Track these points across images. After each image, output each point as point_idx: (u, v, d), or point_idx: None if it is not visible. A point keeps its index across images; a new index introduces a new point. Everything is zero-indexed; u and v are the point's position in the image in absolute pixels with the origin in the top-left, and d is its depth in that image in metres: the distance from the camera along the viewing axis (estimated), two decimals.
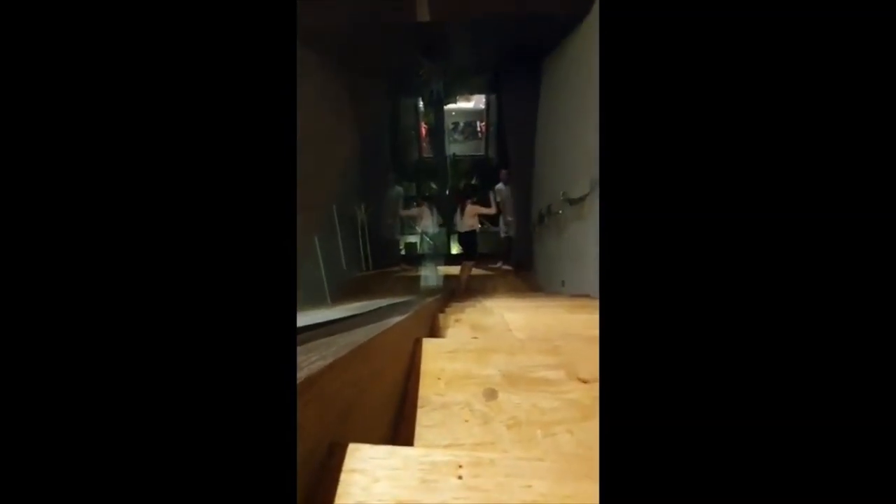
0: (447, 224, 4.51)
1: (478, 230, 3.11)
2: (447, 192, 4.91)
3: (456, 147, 6.07)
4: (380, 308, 0.83)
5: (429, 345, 0.70)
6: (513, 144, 3.58)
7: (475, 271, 3.50)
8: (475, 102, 6.45)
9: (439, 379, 0.61)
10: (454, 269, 3.90)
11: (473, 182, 5.37)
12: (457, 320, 1.24)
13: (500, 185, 3.74)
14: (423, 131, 5.50)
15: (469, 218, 3.03)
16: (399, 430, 0.49)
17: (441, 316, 1.29)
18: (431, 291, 2.34)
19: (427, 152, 5.64)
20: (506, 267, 3.66)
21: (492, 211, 3.33)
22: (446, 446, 0.47)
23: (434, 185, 5.29)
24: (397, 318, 0.64)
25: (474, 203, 3.11)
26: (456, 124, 6.85)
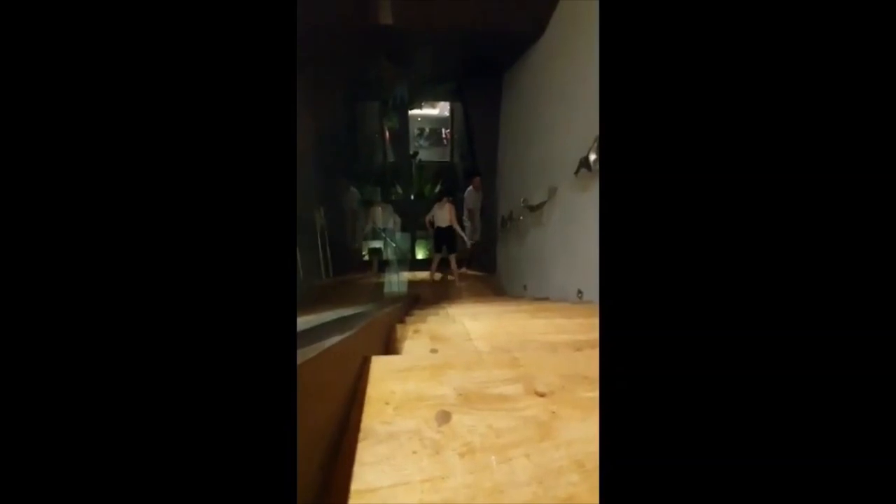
0: (409, 227, 4.43)
1: (454, 227, 3.35)
2: (412, 197, 4.84)
3: (421, 153, 6.04)
4: (325, 323, 0.74)
5: (378, 364, 0.63)
6: (478, 152, 3.63)
7: (435, 275, 3.63)
8: (440, 110, 6.48)
9: (387, 404, 0.54)
10: (421, 274, 3.84)
11: (439, 188, 5.36)
12: (416, 331, 1.18)
13: (470, 190, 3.76)
14: (387, 136, 5.39)
15: (448, 213, 3.29)
16: (333, 473, 0.41)
17: (399, 327, 1.22)
18: (395, 299, 2.26)
19: (391, 157, 5.54)
20: (470, 272, 3.68)
21: (465, 222, 3.57)
22: (390, 487, 0.41)
23: (399, 189, 5.19)
24: (339, 336, 0.57)
25: (451, 201, 3.38)
26: (421, 130, 6.82)
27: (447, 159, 6.07)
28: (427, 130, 6.75)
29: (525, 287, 2.78)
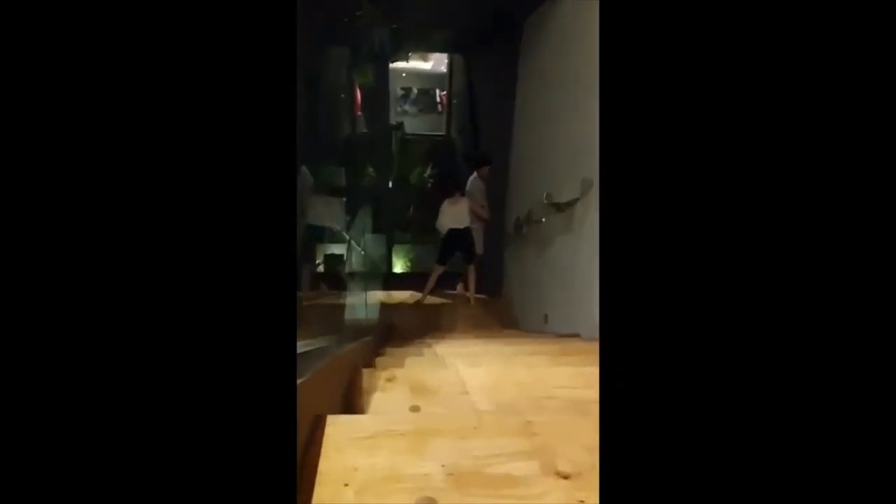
0: (385, 227, 4.41)
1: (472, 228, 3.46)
2: (390, 184, 4.84)
3: (406, 122, 6.08)
4: None
5: (336, 427, 0.63)
6: (484, 128, 3.66)
7: (427, 298, 3.63)
8: (434, 64, 6.57)
9: (347, 486, 0.54)
10: (399, 295, 3.83)
11: (428, 173, 5.41)
12: (390, 379, 1.18)
13: (475, 181, 3.72)
14: (359, 96, 5.42)
15: (467, 210, 3.39)
16: None
17: (367, 373, 1.22)
18: (360, 330, 2.25)
19: (363, 126, 5.56)
20: (468, 294, 3.70)
21: (484, 215, 3.56)
22: None
23: (372, 172, 5.19)
24: None
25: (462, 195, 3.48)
26: (407, 91, 6.88)
27: (441, 132, 6.13)
28: (415, 92, 6.80)
29: (546, 318, 2.80)
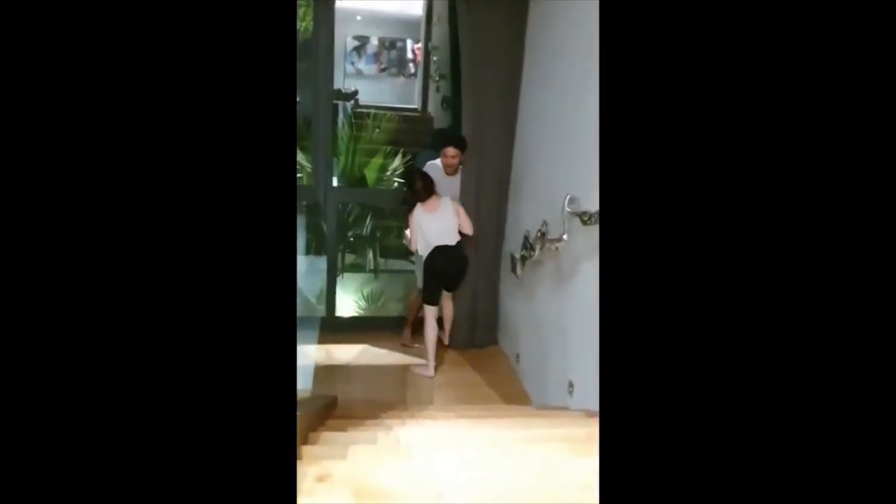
0: (327, 248, 4.35)
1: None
2: (334, 183, 4.81)
3: (362, 89, 6.08)
4: None
5: None
6: (471, 97, 3.68)
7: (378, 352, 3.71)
8: (402, 5, 6.68)
9: None
10: (344, 352, 3.78)
11: (395, 166, 5.44)
12: (322, 478, 1.14)
13: (431, 167, 3.65)
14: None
15: (458, 218, 3.46)
16: None
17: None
18: None
19: (297, 93, 5.59)
20: (443, 331, 3.69)
21: (469, 230, 3.56)
22: None
23: (307, 163, 5.19)
24: None
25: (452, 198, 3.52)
26: (362, 42, 6.91)
27: (413, 104, 6.14)
28: (374, 43, 6.84)
29: (571, 386, 2.77)
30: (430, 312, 3.52)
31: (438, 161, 3.60)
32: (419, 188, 3.38)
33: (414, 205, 3.42)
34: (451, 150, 3.49)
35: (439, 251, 3.44)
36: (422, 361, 3.63)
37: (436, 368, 3.57)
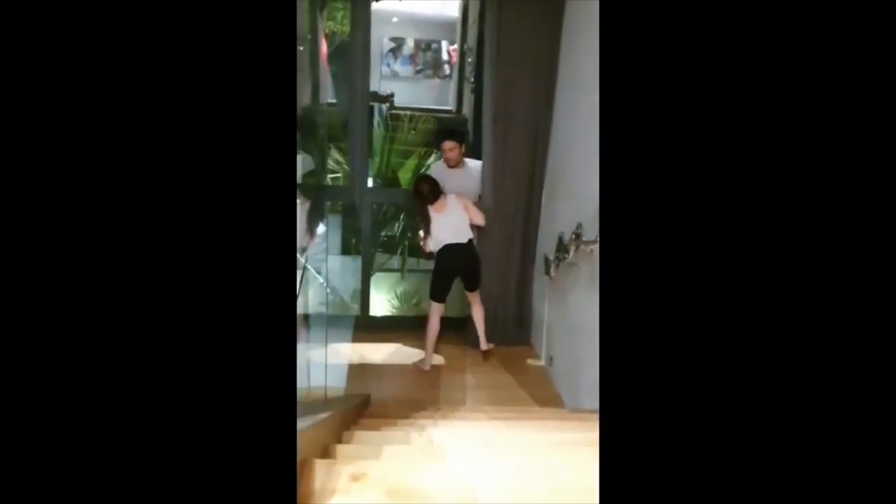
0: (361, 247, 4.39)
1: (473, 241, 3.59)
2: (369, 183, 4.85)
3: (397, 91, 6.12)
4: None
5: None
6: (502, 96, 3.65)
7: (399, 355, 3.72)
8: (439, 6, 6.71)
9: None
10: (378, 351, 3.80)
11: (427, 166, 5.45)
12: (357, 478, 1.15)
13: (439, 168, 3.75)
14: (324, 50, 5.53)
15: (469, 214, 3.50)
16: None
17: (321, 466, 1.19)
18: (316, 405, 2.22)
19: (330, 94, 5.63)
20: (481, 340, 3.69)
21: (480, 221, 3.60)
22: None
23: (343, 163, 5.24)
24: None
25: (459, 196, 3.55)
26: (398, 43, 7.00)
27: (449, 106, 6.16)
28: (411, 45, 6.92)
29: None
30: (434, 309, 3.60)
31: (441, 161, 3.75)
32: (426, 192, 3.44)
33: (423, 208, 3.50)
34: (447, 144, 3.62)
35: (449, 249, 3.50)
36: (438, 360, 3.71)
37: (464, 369, 3.61)
